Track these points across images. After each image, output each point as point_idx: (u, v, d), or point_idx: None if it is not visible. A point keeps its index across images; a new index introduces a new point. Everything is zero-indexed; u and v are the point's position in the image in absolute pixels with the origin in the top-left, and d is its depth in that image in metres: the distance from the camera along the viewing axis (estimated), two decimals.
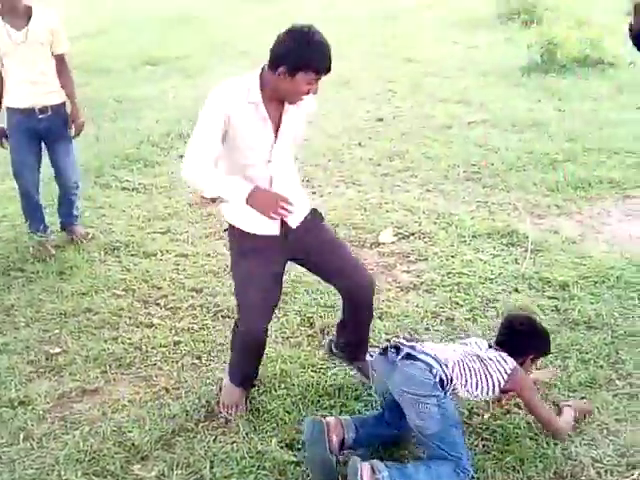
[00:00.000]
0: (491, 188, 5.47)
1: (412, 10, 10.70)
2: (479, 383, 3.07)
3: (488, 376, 3.09)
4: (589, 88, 7.48)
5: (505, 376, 3.11)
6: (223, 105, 2.89)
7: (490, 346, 3.27)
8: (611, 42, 8.44)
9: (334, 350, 3.66)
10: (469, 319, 4.07)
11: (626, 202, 5.29)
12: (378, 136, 6.51)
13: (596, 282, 4.33)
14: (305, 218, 3.27)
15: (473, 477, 2.94)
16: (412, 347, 3.10)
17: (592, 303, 4.12)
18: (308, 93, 2.94)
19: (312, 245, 3.29)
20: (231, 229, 3.25)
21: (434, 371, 2.95)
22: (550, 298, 4.22)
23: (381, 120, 6.74)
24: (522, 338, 3.30)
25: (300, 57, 2.81)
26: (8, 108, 4.84)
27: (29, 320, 4.16)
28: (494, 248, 4.74)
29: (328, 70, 2.89)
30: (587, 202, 5.29)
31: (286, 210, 2.85)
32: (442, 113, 6.91)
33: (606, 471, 3.06)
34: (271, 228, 3.09)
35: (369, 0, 11.31)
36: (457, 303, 4.21)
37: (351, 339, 3.54)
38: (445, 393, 2.96)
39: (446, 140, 6.19)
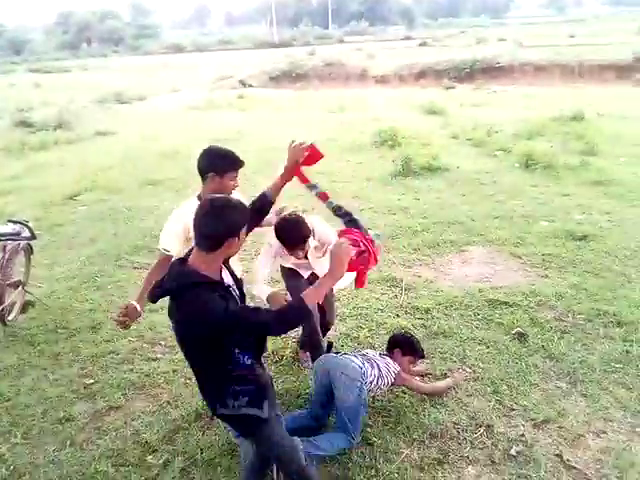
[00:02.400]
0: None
1: (319, 141, 10.95)
2: (381, 379, 3.10)
3: (386, 374, 3.12)
4: (433, 185, 7.74)
5: (393, 375, 3.15)
6: None
7: (381, 354, 3.31)
8: (444, 155, 8.85)
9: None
10: (369, 337, 4.08)
11: (462, 254, 5.45)
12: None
13: (447, 307, 4.42)
14: None
15: (358, 443, 2.96)
16: (344, 353, 3.26)
17: (445, 320, 4.21)
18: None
19: None
20: None
21: (361, 366, 2.97)
22: (419, 319, 4.28)
23: (305, 212, 6.83)
24: (400, 342, 3.37)
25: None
26: None
27: (71, 362, 3.98)
28: (382, 289, 4.79)
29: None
30: (438, 256, 5.43)
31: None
32: (343, 204, 7.01)
33: (462, 430, 3.10)
34: None
35: (292, 136, 11.54)
36: (360, 327, 4.22)
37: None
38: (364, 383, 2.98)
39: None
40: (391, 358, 3.27)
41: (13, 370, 3.91)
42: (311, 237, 3.22)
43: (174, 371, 3.81)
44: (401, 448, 2.98)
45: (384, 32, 65.26)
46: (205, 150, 2.80)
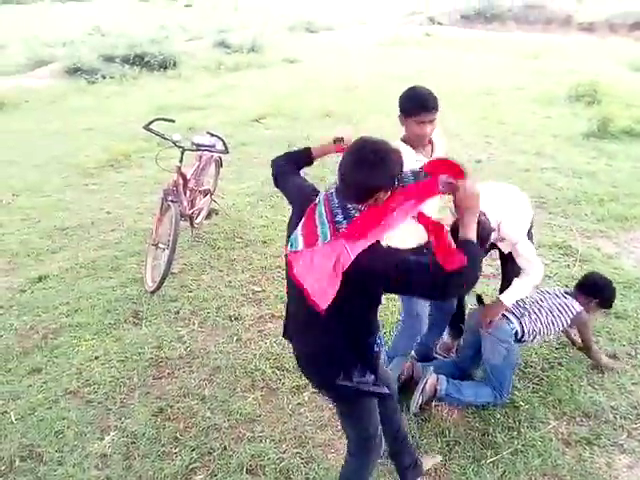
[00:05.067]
0: (554, 215, 5.19)
1: (505, 89, 10.27)
2: (547, 329, 2.96)
3: (557, 318, 2.97)
4: (632, 152, 6.92)
5: (571, 316, 2.97)
6: None
7: (562, 293, 3.11)
8: None
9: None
10: None
11: None
12: (476, 173, 6.32)
13: (625, 287, 4.04)
14: None
15: (503, 402, 2.92)
16: None
17: (621, 301, 3.85)
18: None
19: None
20: None
21: (511, 325, 2.89)
22: None
23: (479, 162, 6.54)
24: (597, 286, 3.15)
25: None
26: None
27: (244, 268, 4.39)
28: (553, 255, 4.50)
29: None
30: (623, 230, 4.93)
31: None
32: (523, 160, 6.60)
33: (621, 417, 2.90)
34: None
35: (477, 81, 10.95)
36: None
37: None
38: (518, 341, 2.90)
39: (525, 179, 5.92)
40: (575, 298, 3.06)
41: (196, 267, 4.43)
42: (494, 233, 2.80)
43: None
44: (549, 419, 2.88)
45: None
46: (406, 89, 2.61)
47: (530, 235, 3.05)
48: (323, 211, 1.77)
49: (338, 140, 2.33)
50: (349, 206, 1.73)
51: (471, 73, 11.88)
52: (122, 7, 30.55)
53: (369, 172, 1.68)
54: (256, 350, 3.44)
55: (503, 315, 2.91)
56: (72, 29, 17.24)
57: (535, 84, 10.66)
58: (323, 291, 1.69)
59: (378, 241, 1.73)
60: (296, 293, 1.83)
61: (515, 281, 2.91)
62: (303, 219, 1.83)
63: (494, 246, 3.18)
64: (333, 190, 1.80)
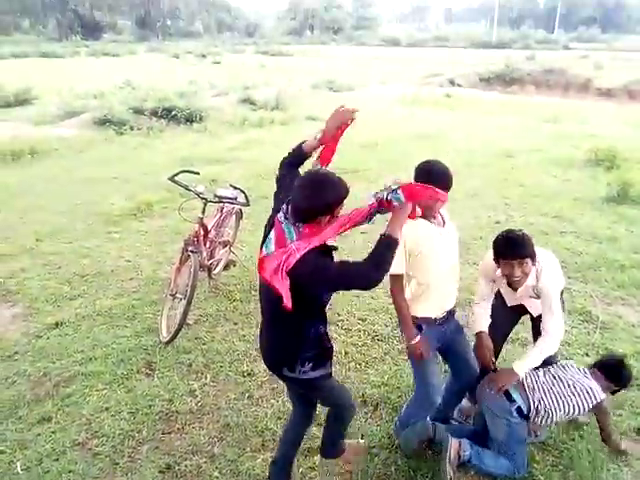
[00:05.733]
0: (574, 280, 5.12)
1: (525, 151, 10.37)
2: (559, 410, 2.83)
3: (571, 404, 2.84)
4: None
5: (593, 402, 2.84)
6: None
7: (589, 369, 3.02)
8: None
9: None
10: None
11: None
12: (494, 234, 6.30)
13: None
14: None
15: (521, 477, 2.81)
16: None
17: None
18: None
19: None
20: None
21: (514, 400, 2.80)
22: None
23: (498, 223, 6.53)
24: (623, 375, 3.03)
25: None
26: None
27: (259, 322, 4.34)
28: (572, 322, 4.41)
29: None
30: None
31: None
32: (542, 223, 6.59)
33: None
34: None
35: (496, 143, 11.09)
36: None
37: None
38: (522, 418, 2.80)
39: (544, 242, 5.88)
40: (594, 376, 2.96)
41: (211, 319, 4.43)
42: (533, 277, 2.85)
43: (346, 353, 3.98)
44: None
45: (617, 40, 58.98)
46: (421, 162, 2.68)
47: (562, 301, 3.01)
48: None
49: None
50: (297, 224, 2.12)
51: (490, 134, 12.06)
52: (154, 63, 31.95)
53: (308, 197, 2.06)
54: (267, 408, 3.38)
55: (506, 391, 2.82)
56: (104, 82, 17.99)
57: (554, 147, 10.76)
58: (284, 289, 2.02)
59: (312, 249, 2.05)
60: (263, 292, 2.36)
61: (530, 349, 2.86)
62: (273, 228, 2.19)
63: (525, 312, 3.14)
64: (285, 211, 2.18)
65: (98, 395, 3.47)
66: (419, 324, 2.73)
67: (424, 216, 2.62)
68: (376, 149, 10.49)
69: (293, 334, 2.32)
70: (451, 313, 2.86)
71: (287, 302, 2.01)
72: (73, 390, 3.51)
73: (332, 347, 2.49)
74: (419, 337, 2.70)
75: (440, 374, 2.85)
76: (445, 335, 2.85)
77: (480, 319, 3.02)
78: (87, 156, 10.06)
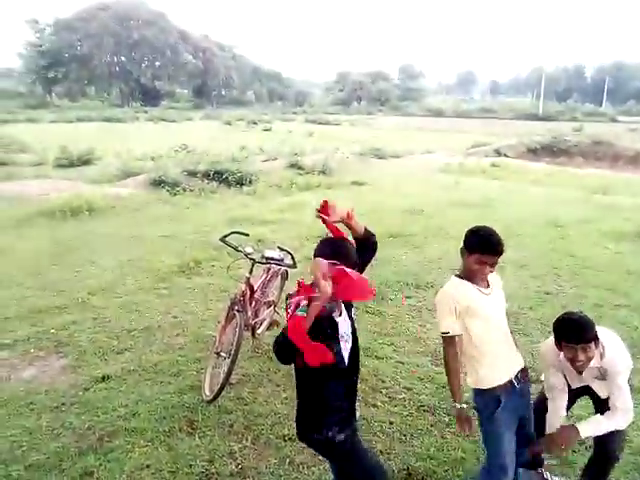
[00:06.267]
0: (631, 356, 4.87)
1: (574, 222, 10.20)
2: None
3: None
4: None
5: None
6: None
7: None
8: None
9: None
10: None
11: None
12: (544, 305, 6.14)
13: None
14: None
15: None
16: None
17: None
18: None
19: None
20: None
21: None
22: None
23: (548, 294, 6.36)
24: None
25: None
26: None
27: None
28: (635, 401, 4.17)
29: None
30: None
31: None
32: (594, 296, 6.37)
33: None
34: None
35: (544, 213, 10.95)
36: None
37: None
38: None
39: (597, 316, 5.67)
40: None
41: (253, 379, 4.42)
42: (597, 358, 2.71)
43: (391, 423, 3.87)
44: None
45: None
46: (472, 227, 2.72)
47: (630, 383, 2.87)
48: None
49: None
50: None
51: (538, 204, 11.95)
52: (208, 129, 33.56)
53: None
54: (308, 476, 3.30)
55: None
56: (161, 146, 18.96)
57: (604, 218, 10.55)
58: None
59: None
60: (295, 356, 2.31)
61: (598, 416, 2.72)
62: None
63: (588, 391, 2.98)
64: None
65: (140, 452, 3.46)
66: (497, 396, 2.67)
67: (471, 279, 2.61)
68: (421, 215, 10.54)
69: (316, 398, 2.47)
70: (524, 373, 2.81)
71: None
72: (116, 445, 3.52)
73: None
74: (465, 405, 2.64)
75: (513, 455, 2.71)
76: (523, 402, 2.78)
77: (554, 418, 2.89)
78: (141, 215, 10.48)
